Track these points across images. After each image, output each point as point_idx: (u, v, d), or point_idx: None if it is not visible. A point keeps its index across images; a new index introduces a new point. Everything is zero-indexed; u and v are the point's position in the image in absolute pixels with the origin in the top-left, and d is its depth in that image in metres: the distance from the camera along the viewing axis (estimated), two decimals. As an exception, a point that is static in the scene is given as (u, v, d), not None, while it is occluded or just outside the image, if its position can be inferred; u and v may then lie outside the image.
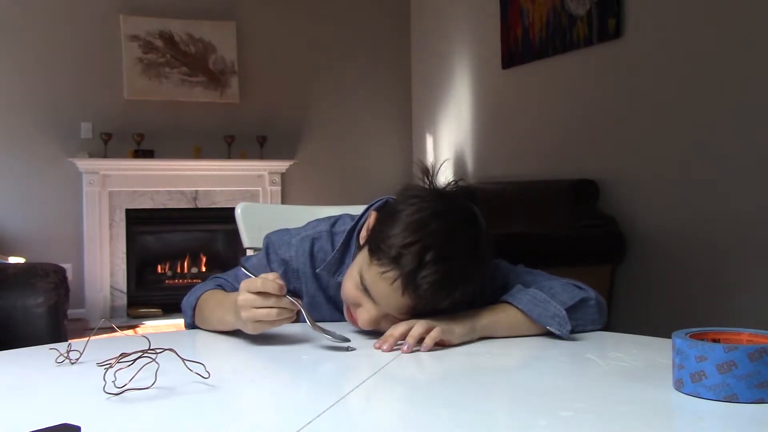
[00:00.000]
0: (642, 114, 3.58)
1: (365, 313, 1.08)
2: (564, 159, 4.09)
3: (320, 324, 1.04)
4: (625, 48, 3.69)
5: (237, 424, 0.72)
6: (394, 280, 1.02)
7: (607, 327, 1.18)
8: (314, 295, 1.25)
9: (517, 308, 1.10)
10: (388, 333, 1.04)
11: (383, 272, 1.03)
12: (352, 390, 0.81)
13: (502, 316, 1.10)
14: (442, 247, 1.02)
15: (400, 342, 1.02)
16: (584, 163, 3.90)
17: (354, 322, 1.13)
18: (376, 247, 1.05)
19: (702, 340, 0.79)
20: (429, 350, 1.00)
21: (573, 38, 4.01)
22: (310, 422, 0.69)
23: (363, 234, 1.15)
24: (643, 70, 3.57)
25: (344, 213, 1.31)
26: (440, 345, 1.02)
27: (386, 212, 1.10)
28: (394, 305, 1.06)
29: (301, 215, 1.48)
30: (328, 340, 1.02)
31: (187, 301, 1.24)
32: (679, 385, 0.78)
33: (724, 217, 3.15)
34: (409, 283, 1.01)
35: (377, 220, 1.12)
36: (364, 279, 1.07)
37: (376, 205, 1.22)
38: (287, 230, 1.28)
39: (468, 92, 5.06)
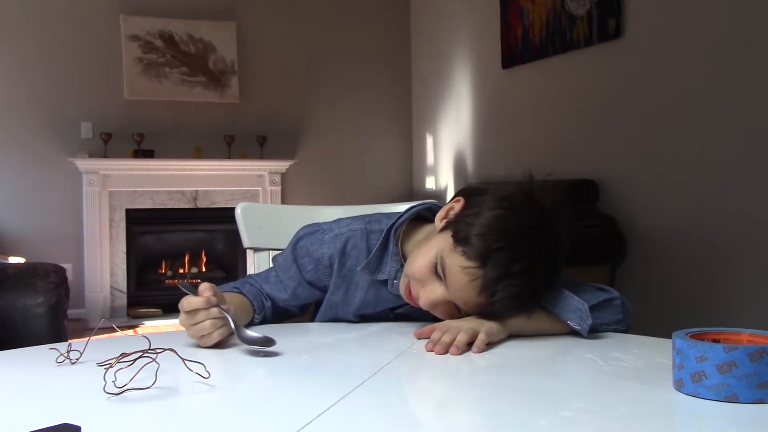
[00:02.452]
0: (642, 114, 3.58)
1: (431, 294, 1.08)
2: (564, 159, 4.09)
3: (248, 332, 1.03)
4: (625, 48, 3.69)
5: (237, 424, 0.72)
6: (475, 279, 1.02)
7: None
8: (340, 292, 1.26)
9: (540, 304, 1.09)
10: (437, 336, 1.01)
11: (466, 267, 1.03)
12: (352, 390, 0.81)
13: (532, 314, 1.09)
14: (531, 262, 1.02)
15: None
16: (584, 163, 3.90)
17: (410, 297, 1.12)
18: (465, 238, 1.04)
19: (702, 340, 0.79)
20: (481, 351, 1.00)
21: (573, 38, 4.01)
22: (310, 422, 0.69)
23: (441, 215, 1.14)
24: (643, 70, 3.57)
25: (377, 212, 1.32)
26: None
27: (476, 203, 1.09)
28: (464, 298, 1.06)
29: (301, 215, 1.48)
30: (253, 347, 1.01)
31: None
32: (680, 385, 0.78)
33: (724, 217, 3.15)
34: (488, 287, 1.02)
35: (465, 207, 1.11)
36: (444, 263, 1.06)
37: (418, 208, 1.22)
38: (318, 226, 1.28)
39: (468, 92, 5.06)
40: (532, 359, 1.00)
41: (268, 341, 0.99)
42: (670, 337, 0.81)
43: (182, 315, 1.03)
